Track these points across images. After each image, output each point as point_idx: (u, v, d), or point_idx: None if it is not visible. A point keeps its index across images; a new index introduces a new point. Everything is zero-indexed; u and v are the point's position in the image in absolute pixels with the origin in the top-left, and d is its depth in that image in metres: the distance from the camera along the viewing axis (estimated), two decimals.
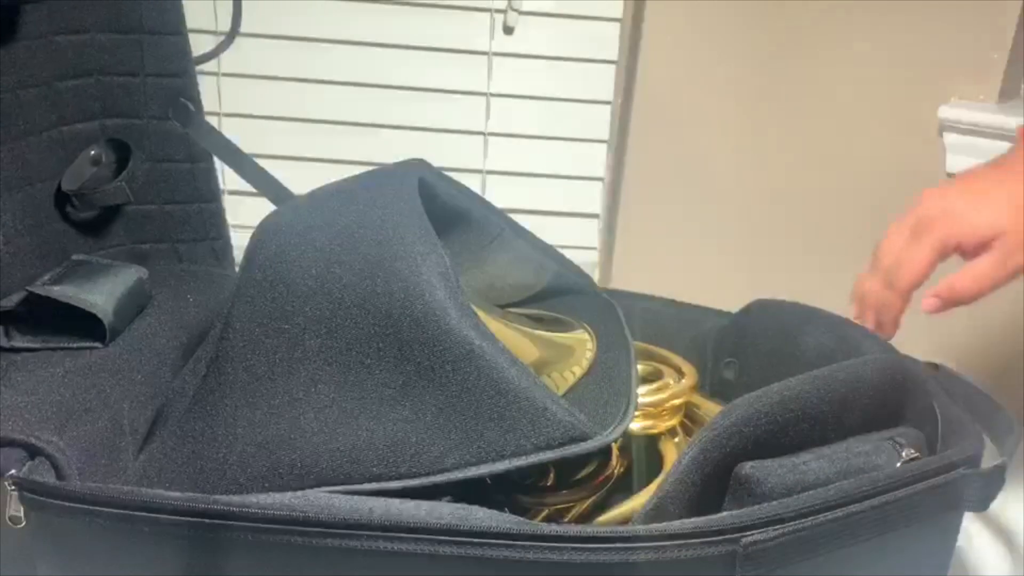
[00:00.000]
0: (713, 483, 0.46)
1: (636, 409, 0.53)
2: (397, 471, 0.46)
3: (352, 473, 0.46)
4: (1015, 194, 0.54)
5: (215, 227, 0.74)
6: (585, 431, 0.46)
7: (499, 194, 1.06)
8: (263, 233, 0.52)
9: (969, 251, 0.55)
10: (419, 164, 0.59)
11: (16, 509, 0.44)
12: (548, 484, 0.55)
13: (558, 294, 0.69)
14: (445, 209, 0.60)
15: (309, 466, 0.46)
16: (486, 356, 0.46)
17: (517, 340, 0.55)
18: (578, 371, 0.56)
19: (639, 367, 0.68)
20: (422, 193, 0.54)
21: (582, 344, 0.59)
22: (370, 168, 0.59)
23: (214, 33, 0.94)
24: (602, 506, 0.55)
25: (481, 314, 0.48)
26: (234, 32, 0.76)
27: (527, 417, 0.46)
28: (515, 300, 0.68)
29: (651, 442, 0.60)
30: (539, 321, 0.61)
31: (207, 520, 0.42)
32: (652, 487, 0.52)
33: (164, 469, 0.50)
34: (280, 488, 0.46)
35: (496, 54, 1.03)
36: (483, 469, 0.46)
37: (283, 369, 0.48)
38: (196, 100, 0.70)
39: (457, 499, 0.46)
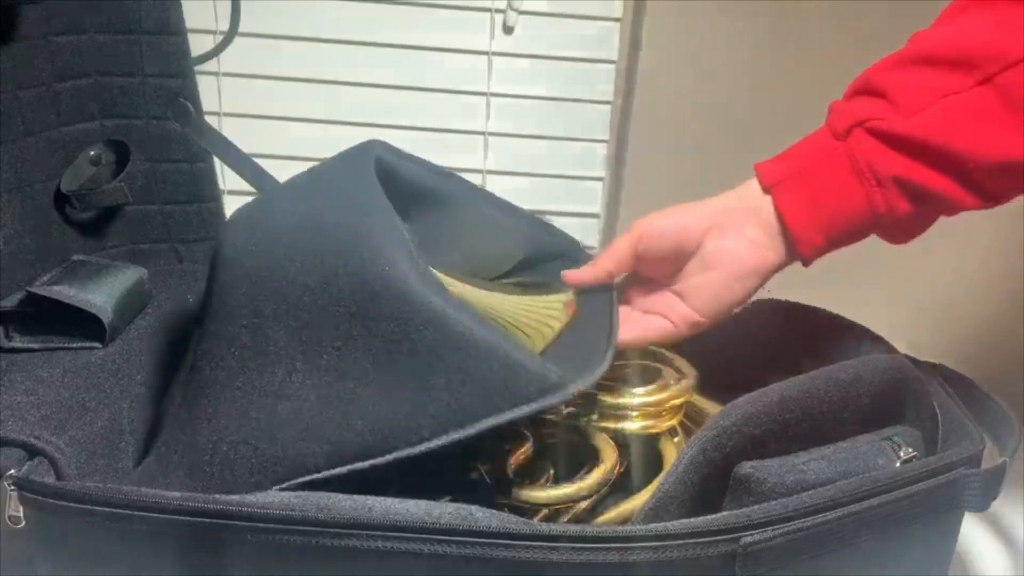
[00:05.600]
0: (713, 483, 0.46)
1: (614, 356, 0.53)
2: (380, 447, 0.46)
3: (333, 457, 0.46)
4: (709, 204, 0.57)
5: (215, 227, 0.74)
6: (559, 381, 0.46)
7: (499, 194, 1.06)
8: (226, 234, 0.52)
9: (654, 244, 0.57)
10: (375, 144, 0.59)
11: (16, 509, 0.44)
12: (547, 484, 0.55)
13: (544, 260, 0.68)
14: (410, 187, 0.60)
15: (292, 456, 0.46)
16: (451, 319, 0.46)
17: (493, 302, 0.56)
18: (558, 326, 0.56)
19: (638, 367, 0.68)
20: (382, 173, 0.54)
21: (564, 302, 0.59)
22: None
23: (214, 33, 0.94)
24: (602, 506, 0.55)
25: (453, 282, 0.48)
26: (233, 32, 0.76)
27: (499, 375, 0.46)
28: (500, 271, 0.67)
29: (651, 442, 0.60)
30: (522, 287, 0.61)
31: (206, 520, 0.42)
32: (652, 487, 0.52)
33: (159, 474, 0.50)
34: (269, 481, 0.46)
35: (496, 54, 1.03)
36: (462, 432, 0.45)
37: (255, 364, 0.49)
38: (195, 100, 0.70)
39: (457, 499, 0.46)
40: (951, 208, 0.53)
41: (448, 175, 0.64)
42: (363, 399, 0.47)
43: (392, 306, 0.46)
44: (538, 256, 0.67)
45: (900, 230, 0.55)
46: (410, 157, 0.61)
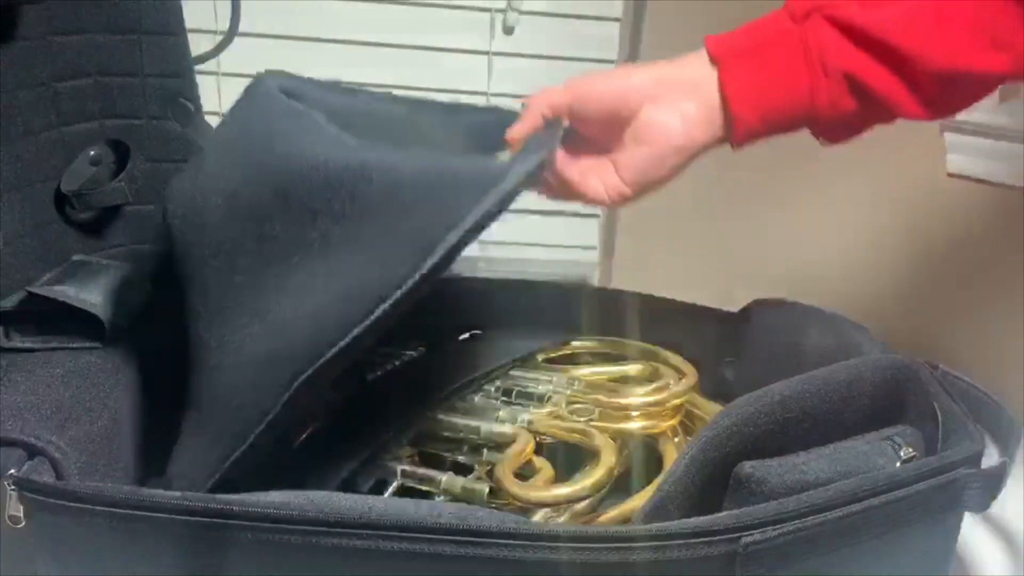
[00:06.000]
0: (713, 483, 0.46)
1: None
2: (366, 306, 0.46)
3: (324, 339, 0.46)
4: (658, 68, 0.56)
5: None
6: (500, 171, 0.47)
7: None
8: (167, 206, 0.54)
9: (589, 106, 0.57)
10: (269, 74, 0.60)
11: (16, 509, 0.44)
12: (547, 484, 0.55)
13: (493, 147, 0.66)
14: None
15: (287, 355, 0.47)
16: (383, 165, 0.48)
17: None
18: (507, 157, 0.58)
19: (638, 367, 0.68)
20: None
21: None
22: None
23: (214, 33, 0.94)
24: (602, 506, 0.55)
25: None
26: (233, 32, 0.76)
27: (443, 191, 0.47)
28: None
29: (651, 442, 0.60)
30: None
31: (206, 520, 0.42)
32: (652, 487, 0.53)
33: (193, 444, 0.51)
34: (277, 390, 0.47)
35: (496, 54, 1.03)
36: (435, 256, 0.45)
37: (231, 298, 0.50)
38: (195, 100, 0.70)
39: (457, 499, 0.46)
40: (891, 112, 0.52)
41: (355, 91, 0.64)
42: (337, 275, 0.47)
43: (324, 182, 0.48)
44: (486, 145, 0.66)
45: (835, 128, 0.54)
46: (312, 81, 0.62)
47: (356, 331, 0.46)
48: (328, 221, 0.48)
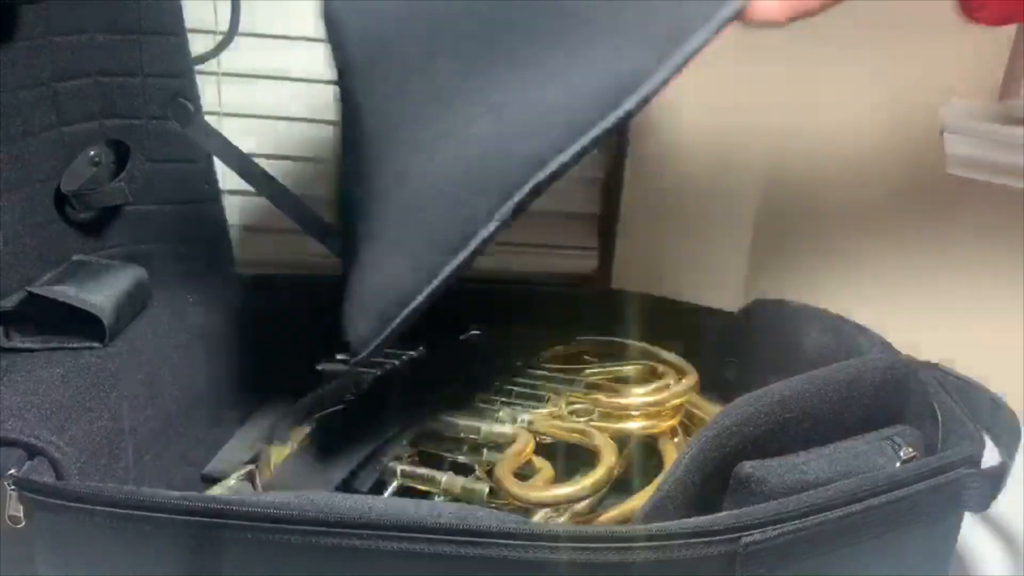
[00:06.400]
0: (713, 483, 0.46)
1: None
2: (607, 102, 0.45)
3: (557, 139, 0.45)
4: None
5: (215, 227, 0.74)
6: None
7: None
8: (333, 21, 0.54)
9: None
10: None
11: (16, 509, 0.44)
12: (547, 484, 0.55)
13: None
14: None
15: (510, 158, 0.46)
16: None
17: None
18: None
19: (638, 367, 0.68)
20: None
21: None
22: None
23: (214, 33, 0.94)
24: (602, 506, 0.55)
25: None
26: (233, 32, 0.76)
27: None
28: None
29: (651, 442, 0.60)
30: None
31: (206, 519, 0.42)
32: (652, 487, 0.53)
33: (376, 281, 0.50)
34: (498, 195, 0.45)
35: None
36: (690, 45, 0.46)
37: (433, 106, 0.49)
38: (195, 100, 0.70)
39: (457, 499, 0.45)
40: None
41: None
42: (563, 73, 0.46)
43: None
44: None
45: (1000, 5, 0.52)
46: None
47: (599, 128, 0.44)
48: (539, 32, 0.46)
